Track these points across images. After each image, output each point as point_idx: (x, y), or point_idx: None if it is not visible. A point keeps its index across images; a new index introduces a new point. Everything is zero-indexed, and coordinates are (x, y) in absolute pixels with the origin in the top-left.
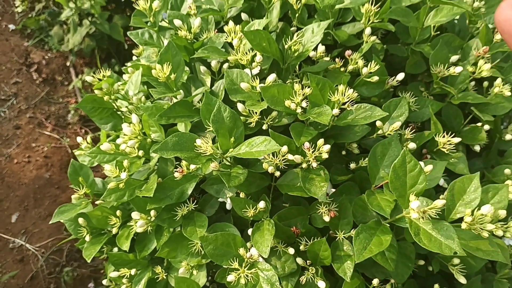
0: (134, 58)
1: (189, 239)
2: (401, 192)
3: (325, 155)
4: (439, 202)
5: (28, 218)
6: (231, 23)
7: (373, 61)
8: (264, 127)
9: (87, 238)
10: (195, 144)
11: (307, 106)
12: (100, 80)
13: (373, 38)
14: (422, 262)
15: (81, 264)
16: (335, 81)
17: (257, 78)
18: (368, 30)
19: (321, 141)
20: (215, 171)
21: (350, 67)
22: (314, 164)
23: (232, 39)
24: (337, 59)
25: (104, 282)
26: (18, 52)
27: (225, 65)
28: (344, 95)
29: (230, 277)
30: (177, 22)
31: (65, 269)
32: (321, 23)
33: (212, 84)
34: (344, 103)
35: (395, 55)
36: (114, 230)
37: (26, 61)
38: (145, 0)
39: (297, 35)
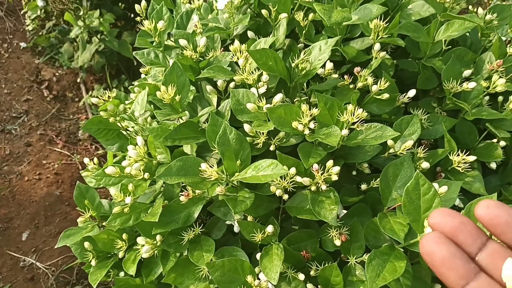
0: (143, 76)
1: (196, 265)
2: (415, 217)
3: (334, 177)
4: None
5: (39, 236)
6: (236, 42)
7: (383, 78)
8: (272, 148)
9: (93, 263)
10: (200, 168)
11: (315, 126)
12: (105, 101)
13: (383, 53)
14: (438, 287)
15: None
16: (344, 98)
17: (263, 98)
18: (377, 46)
19: (330, 163)
20: (221, 196)
21: (359, 84)
22: (324, 187)
23: (238, 59)
24: (346, 76)
25: None
26: (29, 69)
27: (232, 84)
28: (354, 114)
29: None
30: (183, 42)
31: (75, 287)
32: (329, 41)
33: (218, 104)
34: (353, 123)
35: (405, 70)
36: (121, 254)
37: (37, 78)
38: (150, 20)
39: (304, 53)
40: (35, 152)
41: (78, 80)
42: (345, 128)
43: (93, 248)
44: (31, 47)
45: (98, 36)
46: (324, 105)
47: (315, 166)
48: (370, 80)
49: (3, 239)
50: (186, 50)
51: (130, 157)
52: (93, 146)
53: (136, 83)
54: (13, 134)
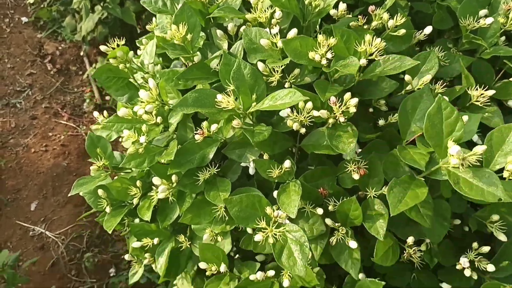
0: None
1: (212, 205)
2: (437, 141)
3: (352, 109)
4: (480, 148)
5: (47, 206)
6: None
7: (399, 14)
8: (286, 85)
9: (108, 210)
10: (215, 100)
11: (332, 57)
12: (114, 48)
13: None
14: (458, 222)
15: (101, 250)
16: (359, 38)
17: (278, 35)
18: None
19: (348, 95)
20: (237, 129)
21: (374, 23)
22: (342, 119)
23: None
24: (359, 17)
25: (126, 257)
26: (31, 44)
27: (243, 28)
28: (371, 45)
29: (258, 237)
30: None
31: (85, 255)
32: None
33: (229, 49)
34: (371, 54)
35: (419, 13)
36: (135, 201)
37: (40, 52)
38: None
39: None
40: (40, 124)
41: (81, 53)
42: (363, 58)
43: (107, 196)
44: (32, 22)
45: (101, 4)
46: (341, 37)
47: (333, 98)
48: (385, 16)
49: (12, 210)
50: None
51: (142, 102)
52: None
53: (143, 38)
54: (18, 108)
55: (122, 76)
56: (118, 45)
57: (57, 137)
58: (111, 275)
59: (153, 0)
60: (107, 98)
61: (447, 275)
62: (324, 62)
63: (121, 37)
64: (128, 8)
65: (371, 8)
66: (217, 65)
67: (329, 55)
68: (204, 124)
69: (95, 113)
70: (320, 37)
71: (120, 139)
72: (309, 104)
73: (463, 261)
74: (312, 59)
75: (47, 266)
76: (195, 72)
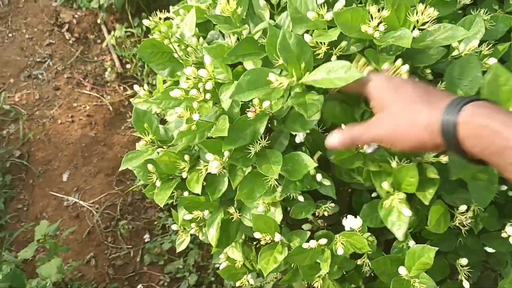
0: (171, 8)
1: (264, 177)
2: None
3: (405, 76)
4: None
5: (79, 176)
6: None
7: None
8: (333, 58)
9: (158, 183)
10: (267, 79)
11: (385, 29)
12: (157, 23)
13: None
14: (504, 188)
15: (135, 218)
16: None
17: (324, 6)
18: None
19: (399, 62)
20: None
21: None
22: None
23: None
24: None
25: (173, 227)
26: (47, 13)
27: None
28: (424, 14)
29: None
30: None
31: (120, 222)
32: None
33: (271, 19)
34: (423, 23)
35: None
36: (184, 175)
37: (57, 21)
38: None
39: None
40: (64, 95)
41: (99, 21)
42: (416, 29)
43: (155, 170)
44: None
45: None
46: (392, 6)
47: (386, 66)
48: None
49: (44, 181)
50: None
51: (188, 78)
52: (121, 87)
53: (176, 7)
54: (40, 79)
55: (165, 51)
56: (160, 19)
57: (82, 108)
58: (146, 240)
59: None
60: (128, 66)
61: (491, 240)
62: (377, 35)
63: (138, 4)
64: None
65: None
66: (259, 37)
67: (381, 28)
68: (256, 101)
69: (136, 87)
70: (373, 9)
71: (161, 112)
72: (366, 72)
73: (509, 230)
74: (365, 32)
75: (83, 234)
76: (244, 47)
